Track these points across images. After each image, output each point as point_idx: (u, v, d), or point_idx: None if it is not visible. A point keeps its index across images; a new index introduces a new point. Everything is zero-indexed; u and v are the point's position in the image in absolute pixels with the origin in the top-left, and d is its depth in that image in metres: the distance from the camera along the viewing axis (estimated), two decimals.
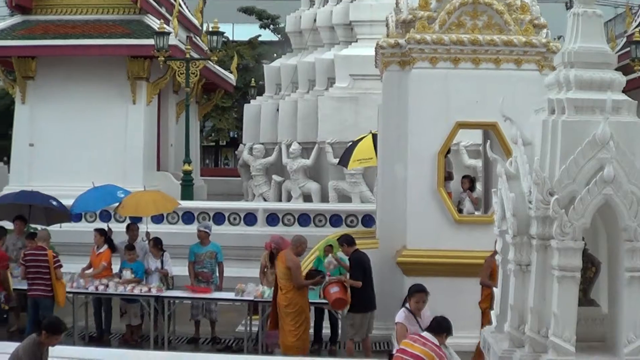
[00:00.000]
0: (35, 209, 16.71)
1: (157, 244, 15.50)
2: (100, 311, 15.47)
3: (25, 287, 14.26)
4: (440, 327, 8.65)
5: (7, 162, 28.69)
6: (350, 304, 13.14)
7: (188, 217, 20.23)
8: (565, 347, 6.82)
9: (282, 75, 26.14)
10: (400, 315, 10.19)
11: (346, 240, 13.55)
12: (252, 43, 51.39)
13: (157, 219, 19.35)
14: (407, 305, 10.25)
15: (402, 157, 14.45)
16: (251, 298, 14.18)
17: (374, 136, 17.73)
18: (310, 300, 13.36)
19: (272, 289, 13.76)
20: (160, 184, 23.49)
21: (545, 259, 7.04)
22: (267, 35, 54.72)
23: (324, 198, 22.77)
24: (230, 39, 51.59)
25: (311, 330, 14.14)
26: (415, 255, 13.98)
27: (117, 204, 16.68)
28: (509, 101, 8.04)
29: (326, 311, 14.21)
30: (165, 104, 28.45)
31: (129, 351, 12.32)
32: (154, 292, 14.56)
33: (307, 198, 23.11)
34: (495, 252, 8.11)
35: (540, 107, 7.74)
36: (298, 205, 21.53)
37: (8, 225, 16.54)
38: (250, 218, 20.14)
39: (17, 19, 26.81)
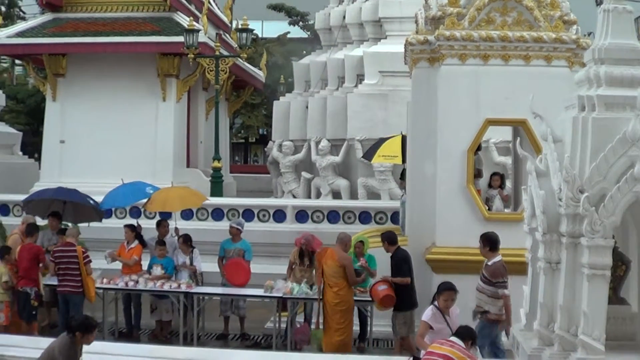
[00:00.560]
0: (67, 206, 16.80)
1: (186, 241, 15.55)
2: (130, 307, 15.58)
3: (56, 283, 14.40)
4: (469, 333, 8.60)
5: (38, 159, 28.90)
6: (397, 302, 13.06)
7: (217, 213, 20.30)
8: (594, 345, 6.78)
9: (312, 72, 26.19)
10: (427, 314, 10.15)
11: (388, 238, 13.41)
12: (282, 40, 51.49)
13: (187, 215, 19.45)
14: (436, 302, 10.21)
15: (432, 154, 14.39)
16: (280, 295, 14.15)
17: (404, 137, 17.69)
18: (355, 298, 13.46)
19: (301, 285, 13.82)
20: (189, 180, 23.55)
21: (575, 257, 7.01)
22: (296, 32, 54.77)
23: (353, 195, 22.79)
24: (260, 36, 51.65)
25: None
26: (445, 252, 13.91)
27: (145, 200, 16.76)
28: (538, 98, 8.02)
29: (356, 308, 14.20)
30: (195, 101, 28.52)
31: (158, 347, 12.33)
32: (183, 288, 14.64)
33: (336, 195, 23.12)
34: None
35: (570, 104, 7.70)
36: (327, 202, 21.50)
37: (38, 221, 16.62)
38: (279, 215, 20.16)
39: (48, 16, 27.04)
